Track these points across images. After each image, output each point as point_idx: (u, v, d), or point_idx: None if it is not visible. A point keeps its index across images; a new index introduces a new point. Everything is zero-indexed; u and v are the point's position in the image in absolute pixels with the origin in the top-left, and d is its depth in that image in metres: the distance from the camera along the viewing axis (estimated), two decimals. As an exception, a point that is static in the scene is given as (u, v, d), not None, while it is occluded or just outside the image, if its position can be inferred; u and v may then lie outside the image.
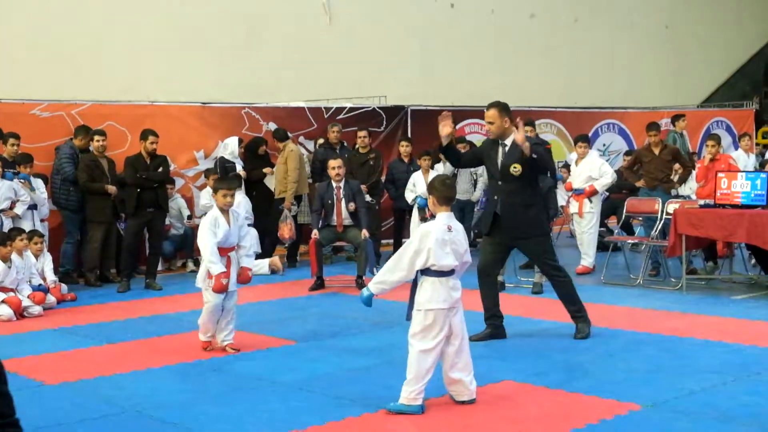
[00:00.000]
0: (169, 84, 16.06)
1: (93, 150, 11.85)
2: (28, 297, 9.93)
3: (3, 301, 9.65)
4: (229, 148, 13.34)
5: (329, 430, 5.63)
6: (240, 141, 13.46)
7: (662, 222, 11.40)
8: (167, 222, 12.90)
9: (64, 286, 11.00)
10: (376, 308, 9.86)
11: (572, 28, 23.22)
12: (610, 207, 13.83)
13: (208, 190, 13.00)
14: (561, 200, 13.72)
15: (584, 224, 12.34)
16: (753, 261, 11.89)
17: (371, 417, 5.88)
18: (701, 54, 25.60)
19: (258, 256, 12.70)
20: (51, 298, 10.32)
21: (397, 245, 13.67)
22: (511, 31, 21.91)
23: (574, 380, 6.67)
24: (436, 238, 5.93)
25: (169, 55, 16.81)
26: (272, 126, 14.13)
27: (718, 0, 26.83)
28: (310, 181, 13.72)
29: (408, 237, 12.73)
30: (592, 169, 12.32)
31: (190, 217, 13.29)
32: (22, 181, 11.18)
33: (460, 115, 16.04)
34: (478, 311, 8.24)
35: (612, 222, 14.52)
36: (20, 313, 9.72)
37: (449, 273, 5.99)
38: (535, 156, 7.79)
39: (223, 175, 12.93)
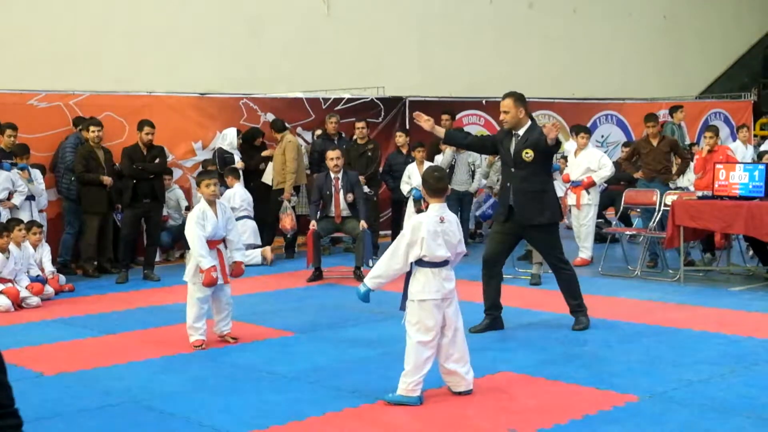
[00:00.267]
0: (166, 74, 16.04)
1: (89, 140, 11.82)
2: (26, 288, 9.93)
3: (1, 292, 9.65)
4: (228, 139, 13.34)
5: (327, 421, 5.63)
6: (238, 132, 13.47)
7: (660, 213, 11.41)
8: (165, 213, 12.91)
9: (62, 277, 11.00)
10: (374, 300, 9.85)
11: (571, 18, 23.19)
12: (608, 198, 13.83)
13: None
14: (559, 191, 13.72)
15: (582, 216, 12.33)
16: (751, 252, 11.91)
17: (369, 408, 5.88)
18: (700, 45, 25.59)
19: (256, 248, 12.73)
20: (49, 289, 10.32)
21: (395, 236, 13.64)
22: (510, 21, 21.89)
23: (572, 371, 6.67)
24: (428, 230, 5.93)
25: (167, 45, 16.78)
26: (270, 117, 14.12)
27: (717, -9, 26.84)
28: (308, 172, 13.72)
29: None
30: (591, 161, 12.31)
31: (188, 208, 13.26)
32: (21, 170, 11.17)
33: (458, 106, 16.04)
34: (478, 302, 8.24)
35: (610, 213, 14.54)
36: (18, 303, 9.73)
37: (442, 264, 5.99)
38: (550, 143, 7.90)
39: (221, 166, 12.95)
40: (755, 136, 19.69)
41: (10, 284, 9.80)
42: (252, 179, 13.51)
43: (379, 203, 14.14)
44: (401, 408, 5.83)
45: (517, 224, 8.19)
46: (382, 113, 15.51)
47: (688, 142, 16.60)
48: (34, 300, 9.89)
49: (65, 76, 14.36)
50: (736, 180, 10.43)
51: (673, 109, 16.14)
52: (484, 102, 16.68)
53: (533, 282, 10.70)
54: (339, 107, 14.87)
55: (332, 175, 11.54)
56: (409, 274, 6.07)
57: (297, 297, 10.35)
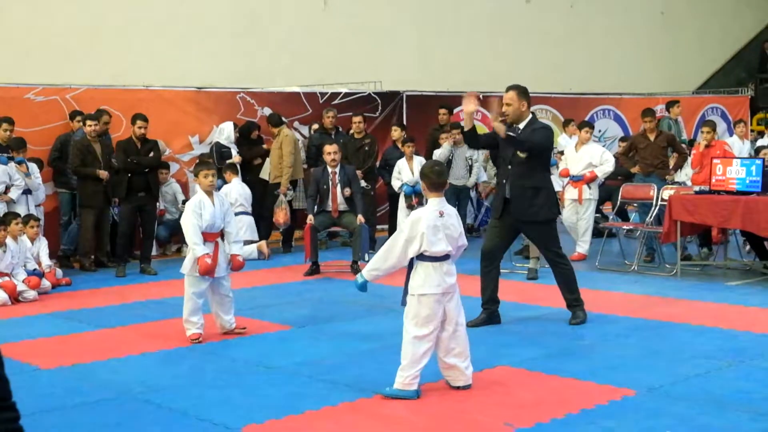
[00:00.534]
0: (164, 68, 15.99)
1: (86, 134, 11.82)
2: (23, 281, 9.92)
3: (-2, 286, 9.65)
4: (225, 133, 13.33)
5: (325, 414, 5.63)
6: (235, 126, 13.45)
7: (657, 208, 11.41)
8: (162, 207, 12.91)
9: (59, 271, 11.00)
10: (371, 293, 9.86)
11: (568, 13, 23.15)
12: (605, 193, 13.83)
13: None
14: (556, 186, 13.72)
15: (581, 211, 12.34)
16: (747, 247, 11.91)
17: (367, 402, 5.89)
18: (697, 40, 25.55)
19: (253, 243, 12.72)
20: (46, 283, 10.32)
21: (392, 231, 13.66)
22: (507, 16, 21.85)
23: (570, 365, 6.67)
24: (428, 225, 5.92)
25: (164, 39, 16.74)
26: (267, 111, 14.11)
27: (715, -14, 26.81)
28: (306, 166, 13.71)
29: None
30: (593, 156, 12.34)
31: (185, 202, 13.25)
32: (18, 164, 11.15)
33: (455, 100, 16.00)
34: (476, 297, 8.25)
35: (607, 208, 14.55)
36: (15, 297, 9.73)
37: (443, 258, 5.98)
38: (511, 134, 7.90)
39: (219, 161, 12.93)
40: (752, 131, 19.68)
41: (7, 278, 9.80)
42: (248, 173, 13.50)
43: (376, 197, 14.14)
44: (398, 402, 5.83)
45: (514, 218, 8.19)
46: (380, 108, 15.50)
47: (684, 137, 16.60)
48: (31, 294, 9.88)
49: (62, 70, 14.32)
50: (733, 175, 10.44)
51: (669, 104, 16.15)
52: (481, 96, 16.63)
53: (530, 276, 10.71)
54: (336, 101, 14.86)
55: (329, 170, 11.54)
56: (410, 269, 6.05)
57: (294, 291, 10.35)
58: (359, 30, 19.28)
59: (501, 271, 10.09)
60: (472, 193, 14.51)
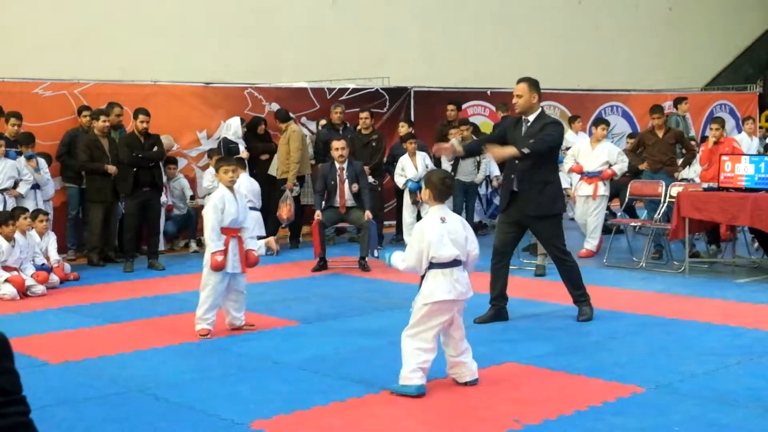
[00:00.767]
0: (171, 64, 16.02)
1: (95, 129, 11.84)
2: (31, 276, 9.94)
3: (6, 281, 9.67)
4: (232, 128, 13.33)
5: (333, 410, 5.63)
6: (242, 121, 13.45)
7: (665, 205, 11.39)
8: (170, 202, 12.92)
9: (67, 266, 11.02)
10: (379, 290, 9.91)
11: (575, 9, 23.12)
12: (613, 190, 13.81)
13: (211, 170, 12.99)
14: (564, 182, 13.71)
15: (593, 207, 12.33)
16: (756, 245, 11.88)
17: (374, 397, 5.89)
18: (705, 37, 25.50)
19: (261, 239, 12.73)
20: (54, 278, 10.33)
21: (400, 226, 13.68)
22: (515, 12, 21.82)
23: (577, 362, 6.67)
24: (432, 232, 5.90)
25: (172, 34, 16.75)
26: (275, 106, 14.11)
27: (723, -18, 26.75)
28: (313, 162, 13.70)
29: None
30: (611, 154, 12.36)
31: (192, 198, 13.29)
32: (28, 159, 11.17)
33: (463, 96, 16.03)
34: (484, 293, 8.24)
35: (615, 205, 14.52)
36: (23, 292, 9.75)
37: (452, 264, 5.91)
38: (526, 151, 7.91)
39: (226, 156, 12.92)
40: (761, 128, 19.65)
41: (15, 273, 9.82)
42: (254, 168, 13.50)
43: (383, 193, 14.14)
44: (405, 398, 5.83)
45: (521, 213, 8.18)
46: (387, 103, 15.49)
47: (692, 133, 16.56)
48: (40, 288, 9.90)
49: (70, 65, 14.34)
50: (742, 172, 10.41)
51: (677, 101, 16.13)
52: (489, 92, 16.67)
53: (538, 273, 10.71)
54: (344, 97, 14.86)
55: (337, 165, 11.54)
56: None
57: (302, 287, 10.35)
58: (367, 26, 19.28)
59: (509, 267, 10.09)
60: (482, 190, 14.47)
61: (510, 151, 7.97)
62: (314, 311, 8.84)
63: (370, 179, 12.70)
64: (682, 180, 12.48)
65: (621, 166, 12.40)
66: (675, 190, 11.13)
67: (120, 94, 12.84)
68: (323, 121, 14.20)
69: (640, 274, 10.86)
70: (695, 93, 20.42)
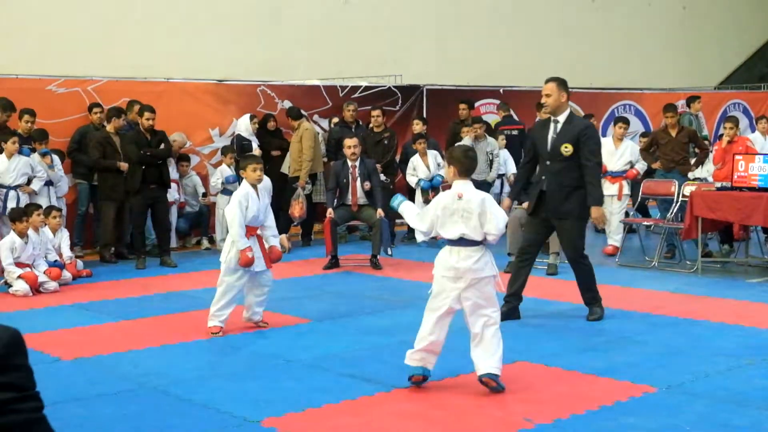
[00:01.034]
0: (184, 61, 16.05)
1: (108, 127, 11.89)
2: (44, 273, 9.97)
3: (19, 277, 9.70)
4: (242, 126, 13.36)
5: (344, 408, 5.64)
6: (252, 117, 13.43)
7: (678, 204, 11.36)
8: (182, 199, 12.94)
9: (79, 262, 11.04)
10: (390, 288, 9.91)
11: (589, 7, 23.08)
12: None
13: (222, 168, 13.03)
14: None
15: (617, 206, 12.34)
16: (769, 244, 11.85)
17: (386, 396, 5.89)
18: (718, 35, 25.42)
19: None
20: (67, 274, 10.36)
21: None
22: (528, 10, 21.80)
23: (589, 362, 6.66)
24: (443, 206, 5.88)
25: (185, 32, 16.79)
26: (287, 104, 14.13)
27: (737, -19, 26.65)
28: (326, 159, 13.70)
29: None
30: (633, 153, 12.37)
31: (204, 195, 13.30)
32: (43, 156, 11.21)
33: (475, 95, 16.00)
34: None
35: (628, 204, 14.48)
36: (36, 288, 9.77)
37: (458, 242, 5.86)
38: (595, 201, 8.08)
39: (239, 153, 12.95)
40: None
41: (28, 269, 9.85)
42: (267, 164, 13.44)
43: (395, 191, 14.12)
44: (416, 396, 5.84)
45: (548, 213, 8.19)
46: (400, 101, 15.48)
47: (705, 132, 16.50)
48: (52, 285, 9.93)
49: (83, 62, 14.38)
50: (756, 171, 10.37)
51: (690, 100, 16.08)
52: (501, 91, 16.64)
53: (550, 272, 10.69)
54: (356, 95, 14.86)
55: (349, 163, 11.54)
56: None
57: (313, 285, 10.36)
58: (379, 23, 19.28)
59: (532, 267, 10.12)
60: (496, 189, 14.44)
61: (600, 211, 8.10)
62: (326, 309, 8.84)
63: (382, 177, 12.69)
64: (695, 179, 12.44)
65: (641, 165, 12.44)
66: (688, 189, 11.10)
67: (133, 91, 12.86)
68: (336, 119, 14.20)
69: (652, 273, 10.83)
70: (709, 92, 20.34)
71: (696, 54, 24.77)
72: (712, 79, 24.67)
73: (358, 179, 11.51)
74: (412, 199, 13.67)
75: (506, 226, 6.08)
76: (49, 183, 11.27)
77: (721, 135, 12.71)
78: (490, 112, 16.27)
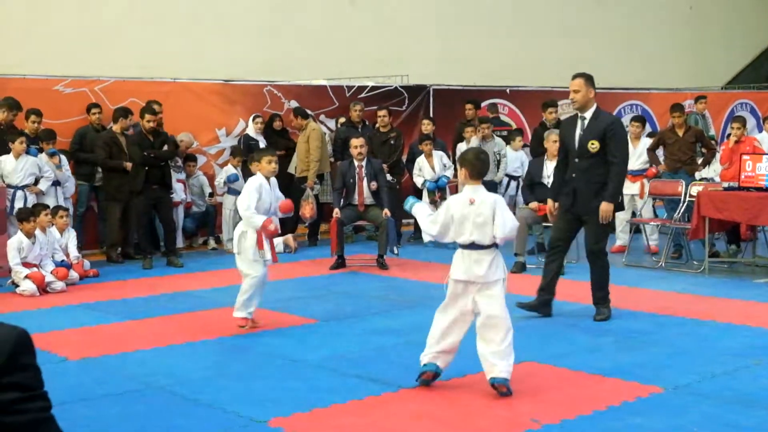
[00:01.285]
0: (191, 61, 16.06)
1: (115, 128, 11.91)
2: (51, 272, 9.98)
3: (26, 277, 9.72)
4: (248, 126, 13.43)
5: (351, 408, 5.64)
6: (255, 117, 13.44)
7: (685, 204, 11.34)
8: (189, 199, 12.95)
9: (86, 262, 11.05)
10: (397, 288, 9.91)
11: (595, 7, 23.05)
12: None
13: (227, 168, 13.05)
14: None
15: (641, 206, 12.38)
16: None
17: (392, 396, 5.89)
18: (725, 35, 25.37)
19: (278, 236, 12.74)
20: (74, 274, 10.37)
21: (418, 225, 13.64)
22: (533, 10, 21.78)
23: (596, 362, 6.65)
24: (453, 211, 5.88)
25: (192, 32, 16.80)
26: (294, 104, 14.13)
27: (744, -20, 26.60)
28: (332, 159, 13.71)
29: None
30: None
31: (211, 195, 13.31)
32: (51, 156, 11.23)
33: (482, 94, 15.99)
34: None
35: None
36: (43, 288, 9.79)
37: (471, 246, 5.86)
38: (611, 200, 8.04)
39: (246, 153, 12.97)
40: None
41: (35, 269, 9.86)
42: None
43: (402, 191, 14.12)
44: (423, 396, 5.84)
45: (577, 209, 8.20)
46: (406, 101, 15.48)
47: (712, 132, 16.47)
48: (59, 285, 9.94)
49: (90, 62, 14.39)
50: (763, 171, 10.36)
51: (695, 99, 16.06)
52: (508, 91, 16.64)
53: (557, 272, 10.66)
54: (363, 95, 14.86)
55: (356, 163, 11.54)
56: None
57: (320, 285, 10.35)
58: (386, 24, 19.29)
59: (527, 266, 10.12)
60: (503, 189, 14.45)
61: (609, 207, 8.03)
62: (332, 309, 8.84)
63: (389, 177, 12.69)
64: (702, 179, 12.42)
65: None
66: (695, 189, 11.08)
67: (140, 92, 12.88)
68: (342, 119, 14.21)
69: (659, 273, 10.81)
70: (715, 91, 20.31)
71: (703, 54, 24.73)
72: (719, 79, 24.63)
73: (365, 179, 11.51)
74: (419, 198, 13.68)
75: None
76: (56, 183, 11.29)
77: (729, 135, 12.68)
78: (497, 112, 16.24)
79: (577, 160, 8.14)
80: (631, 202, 12.40)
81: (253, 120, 13.40)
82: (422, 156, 13.08)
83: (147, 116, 11.49)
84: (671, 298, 9.23)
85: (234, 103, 13.89)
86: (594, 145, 7.99)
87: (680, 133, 12.20)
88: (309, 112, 13.72)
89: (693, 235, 10.64)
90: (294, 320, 8.31)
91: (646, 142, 12.62)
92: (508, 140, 14.07)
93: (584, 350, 7.08)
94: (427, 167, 12.96)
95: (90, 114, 12.26)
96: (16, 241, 9.91)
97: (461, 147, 13.51)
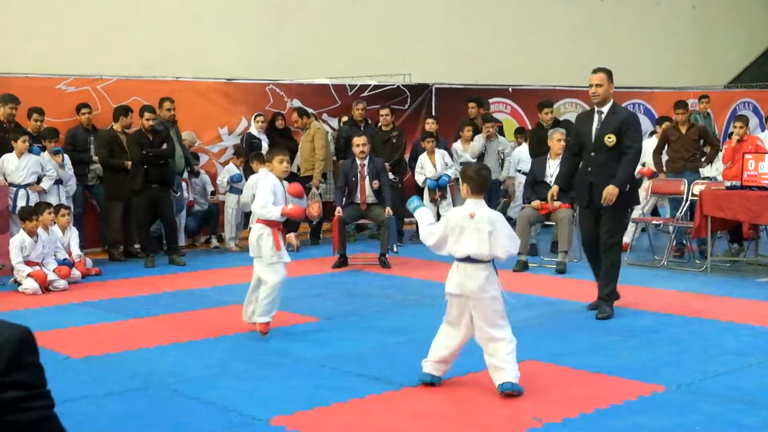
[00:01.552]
0: (193, 60, 16.06)
1: (116, 126, 11.93)
2: (53, 271, 9.99)
3: (29, 275, 9.73)
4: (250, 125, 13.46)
5: (352, 407, 5.64)
6: (257, 116, 13.46)
7: (688, 203, 11.34)
8: (191, 198, 12.96)
9: (89, 261, 11.07)
10: (399, 286, 9.91)
11: (598, 6, 23.03)
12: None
13: (229, 167, 13.07)
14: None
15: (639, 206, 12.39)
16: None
17: (394, 395, 5.89)
18: (728, 34, 25.34)
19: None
20: (76, 273, 10.38)
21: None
22: (536, 9, 21.76)
23: (598, 361, 6.64)
24: (452, 224, 5.87)
25: (194, 31, 16.81)
26: (296, 103, 14.15)
27: (747, -21, 26.56)
28: (335, 158, 13.72)
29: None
30: (647, 149, 12.38)
31: (213, 193, 13.32)
32: (54, 154, 11.24)
33: (484, 93, 15.98)
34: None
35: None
36: (46, 286, 9.80)
37: (466, 260, 5.83)
38: (621, 189, 8.07)
39: (249, 151, 13.00)
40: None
41: (37, 267, 9.87)
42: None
43: (404, 190, 14.13)
44: (426, 395, 5.84)
45: (596, 204, 8.21)
46: (408, 100, 15.48)
47: (715, 130, 16.45)
48: (62, 283, 9.95)
49: (93, 61, 14.41)
50: (765, 170, 10.35)
51: (698, 99, 16.04)
52: (510, 90, 16.63)
53: (559, 270, 10.68)
54: (365, 94, 14.86)
55: (358, 162, 11.54)
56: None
57: (322, 283, 10.36)
58: (388, 22, 19.28)
59: (530, 265, 10.14)
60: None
61: (614, 191, 8.03)
62: (334, 308, 8.85)
63: (391, 176, 12.70)
64: (705, 178, 12.41)
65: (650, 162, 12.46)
66: (697, 188, 11.08)
67: (142, 90, 12.89)
68: (345, 118, 14.21)
69: (661, 272, 10.81)
70: (718, 90, 20.29)
71: (706, 53, 24.70)
72: (722, 77, 24.60)
73: (367, 178, 11.51)
74: (420, 196, 13.68)
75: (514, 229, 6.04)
76: (58, 181, 11.30)
77: (731, 134, 12.66)
78: (499, 111, 16.26)
79: (593, 154, 8.18)
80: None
81: (255, 119, 13.42)
82: (425, 153, 13.08)
83: (146, 114, 11.50)
84: (673, 296, 9.23)
85: (236, 102, 13.90)
86: (611, 139, 8.04)
87: (683, 130, 12.19)
88: (311, 110, 13.72)
89: (696, 234, 10.66)
90: (296, 319, 8.30)
91: (648, 141, 12.59)
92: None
93: (586, 349, 7.07)
94: (429, 165, 12.95)
95: (80, 114, 12.19)
96: (19, 239, 9.92)
97: (457, 146, 13.56)
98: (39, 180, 11.05)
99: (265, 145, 13.21)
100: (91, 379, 6.37)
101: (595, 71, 8.22)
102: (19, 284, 9.81)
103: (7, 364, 2.12)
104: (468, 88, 16.18)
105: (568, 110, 17.08)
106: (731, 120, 14.99)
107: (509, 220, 9.66)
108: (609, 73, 8.19)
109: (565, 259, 10.73)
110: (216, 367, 6.68)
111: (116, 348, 7.23)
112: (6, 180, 10.85)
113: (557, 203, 10.69)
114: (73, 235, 10.90)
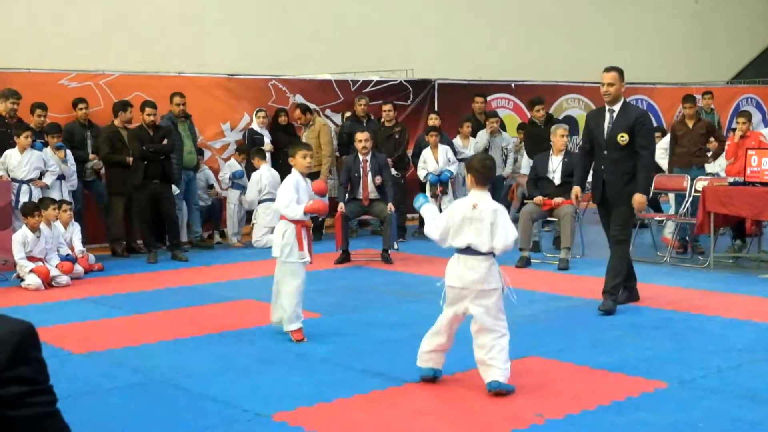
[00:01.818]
0: (196, 55, 16.07)
1: (116, 122, 11.93)
2: (56, 266, 10.00)
3: (31, 271, 9.74)
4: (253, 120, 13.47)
5: (355, 402, 5.64)
6: (258, 111, 13.45)
7: (690, 199, 11.32)
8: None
9: (91, 256, 11.07)
10: (401, 282, 9.91)
11: (601, 2, 23.02)
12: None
13: (231, 162, 13.07)
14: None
15: None
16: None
17: (397, 390, 5.89)
18: (731, 29, 25.31)
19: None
20: (79, 268, 10.39)
21: (422, 218, 13.64)
22: (539, 4, 21.74)
23: (601, 357, 6.64)
24: (456, 214, 5.86)
25: (197, 26, 16.81)
26: (299, 98, 14.14)
27: (750, -25, 26.52)
28: (337, 154, 13.72)
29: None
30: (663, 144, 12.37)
31: (211, 187, 13.25)
32: (57, 150, 11.24)
33: (486, 89, 15.97)
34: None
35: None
36: (48, 282, 9.81)
37: (466, 251, 5.82)
38: (644, 193, 8.17)
39: (250, 147, 12.99)
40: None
41: (40, 263, 9.88)
42: (279, 159, 13.46)
43: (406, 186, 14.13)
44: (427, 391, 5.84)
45: (611, 201, 8.27)
46: (411, 96, 15.47)
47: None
48: (64, 279, 9.96)
49: (95, 57, 14.41)
50: (768, 166, 10.33)
51: (702, 95, 16.02)
52: (513, 86, 16.61)
53: (561, 266, 10.67)
54: (368, 89, 14.85)
55: (361, 158, 11.53)
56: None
57: (324, 279, 10.34)
58: (391, 18, 19.27)
59: (532, 261, 10.14)
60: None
61: (642, 199, 8.12)
62: (337, 303, 8.85)
63: (394, 172, 12.69)
64: (708, 174, 12.38)
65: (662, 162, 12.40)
66: (700, 184, 11.06)
67: (145, 86, 12.88)
68: (348, 114, 14.20)
69: (664, 268, 10.79)
70: (721, 86, 20.27)
71: (708, 48, 24.68)
72: (725, 73, 24.57)
73: (370, 174, 11.51)
74: (423, 192, 13.69)
75: (515, 233, 6.01)
76: (60, 177, 11.29)
77: (734, 129, 12.63)
78: (502, 107, 16.25)
79: (606, 152, 8.22)
80: None
81: (256, 114, 13.41)
82: (428, 148, 13.06)
83: (147, 110, 11.49)
84: (676, 293, 9.22)
85: (239, 98, 13.90)
86: (624, 138, 8.08)
87: (690, 124, 12.15)
88: (314, 106, 13.72)
89: (699, 230, 10.64)
90: (299, 314, 8.29)
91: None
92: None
93: (588, 345, 7.07)
94: (432, 160, 12.93)
95: (77, 109, 12.12)
96: (21, 235, 9.93)
97: (456, 142, 13.57)
98: (41, 175, 11.04)
99: (267, 140, 13.20)
100: (94, 374, 6.38)
101: (607, 70, 8.25)
102: (22, 280, 9.82)
103: (9, 360, 2.11)
104: (470, 83, 16.17)
105: (571, 106, 17.09)
106: (734, 116, 14.95)
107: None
108: (621, 72, 8.23)
109: (568, 255, 10.73)
110: (218, 363, 6.68)
111: (118, 344, 7.23)
112: (8, 175, 10.85)
113: (559, 199, 10.71)
114: (76, 231, 10.90)
